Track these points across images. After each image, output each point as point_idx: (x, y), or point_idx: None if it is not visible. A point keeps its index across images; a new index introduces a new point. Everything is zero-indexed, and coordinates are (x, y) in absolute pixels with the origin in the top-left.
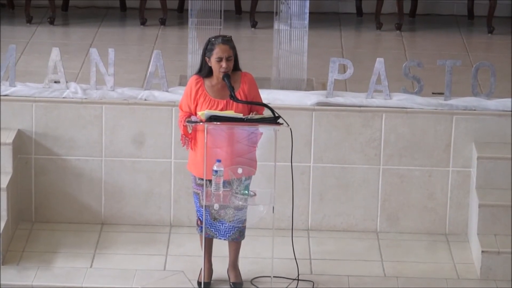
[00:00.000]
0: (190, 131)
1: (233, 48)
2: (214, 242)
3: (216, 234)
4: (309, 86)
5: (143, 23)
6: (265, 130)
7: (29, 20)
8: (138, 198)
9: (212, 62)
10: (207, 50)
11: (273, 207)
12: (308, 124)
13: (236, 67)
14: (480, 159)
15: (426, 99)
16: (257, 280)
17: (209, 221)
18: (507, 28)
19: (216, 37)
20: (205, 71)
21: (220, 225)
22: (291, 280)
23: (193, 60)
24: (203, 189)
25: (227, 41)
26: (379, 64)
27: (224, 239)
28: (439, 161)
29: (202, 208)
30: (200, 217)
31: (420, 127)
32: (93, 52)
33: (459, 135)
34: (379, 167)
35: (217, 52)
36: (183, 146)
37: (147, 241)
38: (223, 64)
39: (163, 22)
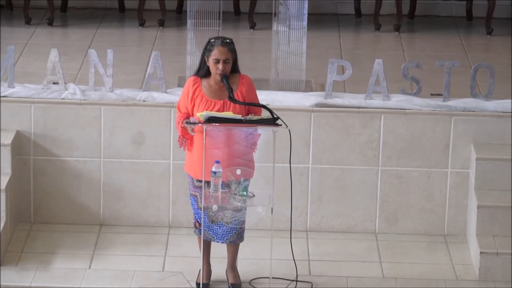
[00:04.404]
0: (193, 133)
1: (232, 51)
2: (212, 243)
3: (213, 237)
4: (308, 87)
5: (142, 24)
6: (263, 131)
7: (28, 21)
8: (137, 199)
9: (210, 63)
10: (206, 50)
11: (271, 208)
12: (307, 125)
13: (235, 70)
14: (478, 160)
15: (424, 100)
16: (255, 281)
17: (207, 223)
18: (505, 29)
19: (216, 38)
20: (203, 71)
21: (217, 228)
22: (290, 281)
23: (192, 61)
24: (201, 191)
25: (227, 43)
26: (378, 65)
27: (222, 242)
28: (438, 162)
29: (200, 210)
30: (198, 220)
31: (419, 128)
32: (92, 53)
33: (458, 136)
34: (377, 168)
35: (215, 53)
36: (180, 147)
37: (145, 242)
38: (220, 66)
39: (161, 23)
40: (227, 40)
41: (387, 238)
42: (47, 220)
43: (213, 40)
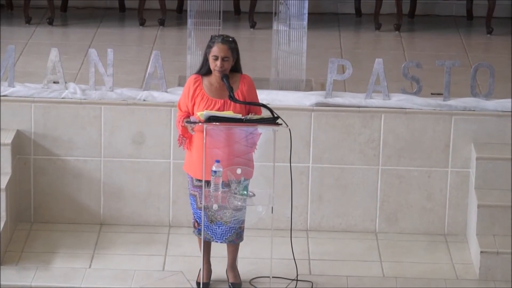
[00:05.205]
0: (193, 133)
1: (232, 49)
2: (213, 243)
3: (212, 237)
4: (308, 86)
5: (142, 23)
6: (264, 131)
7: (28, 21)
8: (137, 199)
9: (210, 60)
10: (208, 46)
11: (272, 208)
12: (307, 124)
13: (236, 69)
14: (479, 159)
15: (425, 99)
16: (256, 281)
17: (206, 223)
18: (506, 28)
19: (218, 36)
20: (205, 69)
21: (216, 228)
22: (290, 281)
23: (192, 60)
24: (200, 190)
25: (227, 41)
26: (378, 64)
27: (221, 242)
28: (438, 161)
29: (200, 210)
30: (197, 219)
31: (419, 127)
32: (92, 52)
33: (458, 136)
34: (378, 168)
35: (214, 50)
36: (180, 146)
37: (146, 241)
38: (218, 63)
39: (162, 23)
40: (229, 39)
41: (387, 237)
42: (47, 219)
43: (215, 37)
